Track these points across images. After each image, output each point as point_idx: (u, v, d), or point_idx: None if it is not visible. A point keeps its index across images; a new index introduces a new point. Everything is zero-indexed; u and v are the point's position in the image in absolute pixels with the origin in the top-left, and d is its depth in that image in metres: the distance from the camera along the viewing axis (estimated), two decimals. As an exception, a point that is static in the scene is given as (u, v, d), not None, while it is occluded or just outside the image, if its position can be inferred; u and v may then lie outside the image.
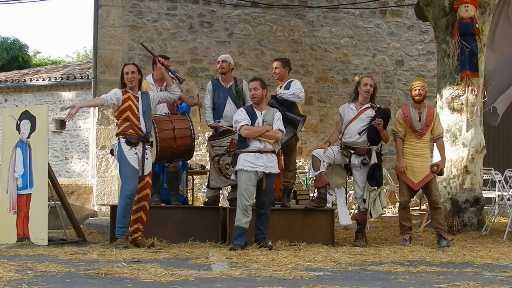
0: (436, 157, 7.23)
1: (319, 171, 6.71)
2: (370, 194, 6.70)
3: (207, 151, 8.46)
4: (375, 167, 6.70)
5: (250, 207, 6.12)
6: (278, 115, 6.35)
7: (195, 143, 10.47)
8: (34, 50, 26.83)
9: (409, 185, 6.87)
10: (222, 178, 6.84)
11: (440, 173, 6.96)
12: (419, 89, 6.89)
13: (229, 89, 7.07)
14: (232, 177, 6.35)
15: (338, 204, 7.25)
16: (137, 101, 6.30)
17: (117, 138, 6.26)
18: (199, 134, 10.65)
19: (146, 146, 6.27)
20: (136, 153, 6.18)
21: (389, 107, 11.34)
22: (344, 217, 6.93)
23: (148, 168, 6.29)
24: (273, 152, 6.25)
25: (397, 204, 11.06)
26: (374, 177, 6.68)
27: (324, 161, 6.72)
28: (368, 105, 6.80)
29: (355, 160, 6.74)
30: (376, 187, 6.69)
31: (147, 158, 6.27)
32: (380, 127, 6.62)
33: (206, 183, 7.65)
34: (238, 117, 6.28)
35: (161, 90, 6.85)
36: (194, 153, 9.81)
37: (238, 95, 7.05)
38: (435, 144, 7.22)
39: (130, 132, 6.20)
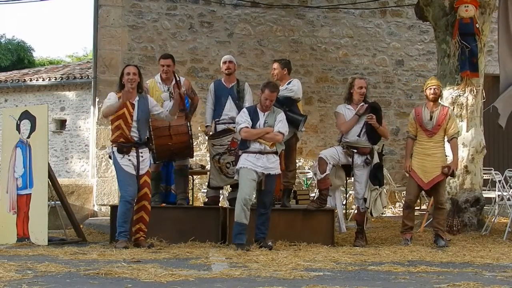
0: (450, 158, 7.17)
1: (325, 174, 6.72)
2: (371, 193, 6.71)
3: (207, 151, 8.47)
4: (378, 167, 6.72)
5: (249, 201, 6.11)
6: (280, 116, 6.33)
7: (195, 143, 10.61)
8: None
9: (417, 184, 6.86)
10: (222, 177, 6.85)
11: (452, 174, 6.93)
12: (434, 88, 6.89)
13: (230, 89, 7.09)
14: (235, 176, 6.36)
15: (338, 210, 7.28)
16: (132, 108, 6.23)
17: (111, 145, 6.31)
18: (199, 134, 10.65)
19: (141, 150, 6.26)
20: (130, 159, 6.20)
21: (389, 107, 11.40)
22: (342, 224, 7.08)
23: (145, 168, 6.29)
24: (275, 153, 6.26)
25: (397, 204, 11.13)
26: (377, 177, 6.70)
27: (330, 163, 6.73)
28: (362, 103, 6.84)
29: (358, 159, 6.75)
30: (377, 187, 6.71)
31: (143, 160, 6.26)
32: (374, 122, 6.64)
33: (207, 183, 7.65)
34: (240, 119, 6.32)
35: (168, 89, 6.86)
36: (194, 153, 9.82)
37: (239, 96, 7.06)
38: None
39: (121, 141, 6.21)
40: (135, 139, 6.23)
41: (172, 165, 7.21)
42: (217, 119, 7.08)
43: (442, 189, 6.94)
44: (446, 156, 6.96)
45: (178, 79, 6.94)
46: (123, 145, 6.20)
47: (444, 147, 6.97)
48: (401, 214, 7.57)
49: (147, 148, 6.36)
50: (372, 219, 8.42)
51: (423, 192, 7.70)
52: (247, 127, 6.21)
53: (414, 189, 6.95)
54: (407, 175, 7.20)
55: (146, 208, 6.30)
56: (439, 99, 7.47)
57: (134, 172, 6.20)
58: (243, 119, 6.27)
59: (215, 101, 7.12)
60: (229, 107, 7.00)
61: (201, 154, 10.66)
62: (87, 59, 21.61)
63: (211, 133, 7.15)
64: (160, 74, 7.04)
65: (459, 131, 7.18)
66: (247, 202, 6.09)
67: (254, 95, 8.17)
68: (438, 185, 6.85)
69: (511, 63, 8.57)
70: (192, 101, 7.31)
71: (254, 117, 6.28)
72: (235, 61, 7.27)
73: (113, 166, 6.58)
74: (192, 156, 7.11)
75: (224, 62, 7.18)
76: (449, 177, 7.19)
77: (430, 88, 6.91)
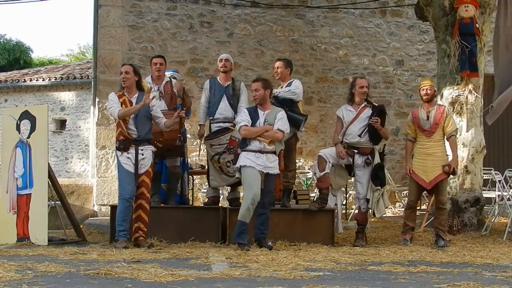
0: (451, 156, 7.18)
1: (324, 172, 6.72)
2: (374, 194, 6.71)
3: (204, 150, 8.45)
4: (379, 167, 6.72)
5: (257, 201, 6.09)
6: (280, 114, 6.32)
7: (196, 142, 10.61)
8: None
9: (418, 186, 6.89)
10: (223, 176, 6.83)
11: (453, 172, 6.95)
12: (427, 89, 6.93)
13: (226, 88, 7.06)
14: (237, 175, 6.35)
15: (338, 210, 7.30)
16: (131, 105, 6.28)
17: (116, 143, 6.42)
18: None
19: (141, 148, 6.26)
20: (129, 157, 6.21)
21: (389, 107, 11.38)
22: (340, 224, 7.12)
23: (144, 167, 6.28)
24: (274, 152, 6.26)
25: (397, 204, 11.13)
26: (378, 177, 6.70)
27: (329, 162, 6.73)
28: (364, 103, 6.83)
29: (358, 159, 6.75)
30: (379, 187, 6.71)
31: (142, 158, 6.27)
32: (378, 125, 6.65)
33: (207, 183, 7.64)
34: (239, 118, 6.37)
35: (158, 89, 6.88)
36: (194, 153, 9.79)
37: (234, 94, 7.04)
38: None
39: (121, 139, 6.26)
40: (134, 136, 6.25)
41: None
42: (211, 118, 7.08)
43: (443, 189, 6.96)
44: (447, 155, 6.97)
45: (169, 80, 6.99)
46: (122, 142, 6.24)
47: (445, 146, 6.98)
48: (401, 214, 7.59)
49: (150, 146, 6.36)
50: (372, 219, 8.42)
51: (423, 192, 7.69)
52: (246, 125, 6.22)
53: (416, 190, 6.97)
54: (408, 177, 7.21)
55: (143, 207, 6.29)
56: (440, 99, 7.48)
57: (132, 170, 6.20)
58: (243, 118, 6.31)
59: (209, 99, 7.10)
60: (224, 107, 6.97)
61: (201, 154, 10.64)
62: (87, 59, 21.61)
63: (205, 134, 7.14)
64: (151, 75, 7.08)
65: (457, 128, 7.21)
66: (255, 202, 6.07)
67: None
68: (440, 184, 6.86)
69: (505, 65, 8.57)
70: (184, 102, 7.31)
71: (254, 116, 6.29)
72: (232, 61, 7.26)
73: (113, 165, 6.62)
74: (182, 155, 7.11)
75: (221, 60, 7.18)
76: (450, 176, 7.20)
77: (423, 89, 6.96)
